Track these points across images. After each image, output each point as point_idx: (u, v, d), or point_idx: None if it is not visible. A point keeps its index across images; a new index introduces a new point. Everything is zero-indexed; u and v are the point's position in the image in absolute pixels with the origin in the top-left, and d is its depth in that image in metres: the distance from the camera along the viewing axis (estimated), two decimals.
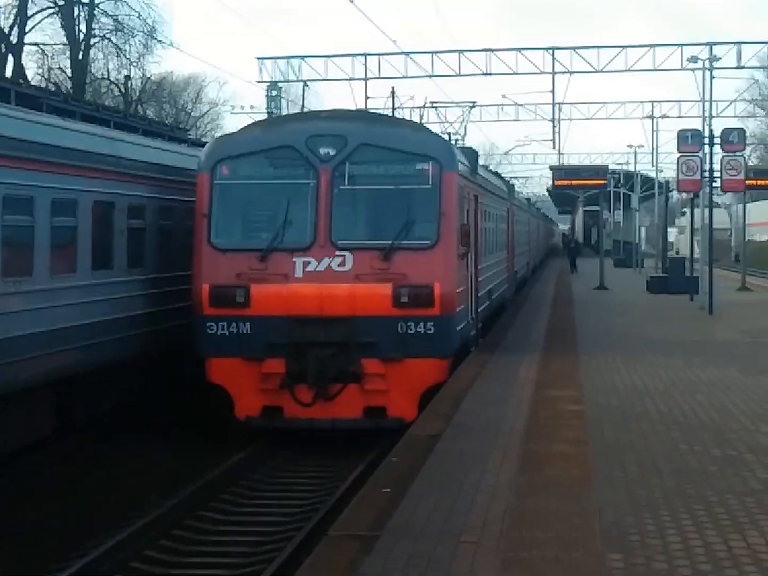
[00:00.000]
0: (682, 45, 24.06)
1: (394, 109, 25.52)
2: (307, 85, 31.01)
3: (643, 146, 41.28)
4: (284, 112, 36.00)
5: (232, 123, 48.38)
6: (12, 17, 30.07)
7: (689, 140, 17.82)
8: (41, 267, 7.62)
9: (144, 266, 9.73)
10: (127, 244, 9.25)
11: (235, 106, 46.09)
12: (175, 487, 7.22)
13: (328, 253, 8.61)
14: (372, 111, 19.55)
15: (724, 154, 17.89)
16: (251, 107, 40.98)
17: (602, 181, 27.98)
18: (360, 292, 8.58)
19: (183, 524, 6.37)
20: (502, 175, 28.11)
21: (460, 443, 5.73)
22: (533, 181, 65.33)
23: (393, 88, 26.88)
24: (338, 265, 8.61)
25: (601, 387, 8.41)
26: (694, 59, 21.79)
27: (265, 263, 8.63)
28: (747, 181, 19.82)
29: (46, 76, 32.63)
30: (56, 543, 5.94)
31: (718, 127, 19.06)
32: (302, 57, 26.11)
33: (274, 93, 40.20)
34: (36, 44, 32.67)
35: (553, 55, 24.83)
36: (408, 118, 24.47)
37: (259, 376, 8.60)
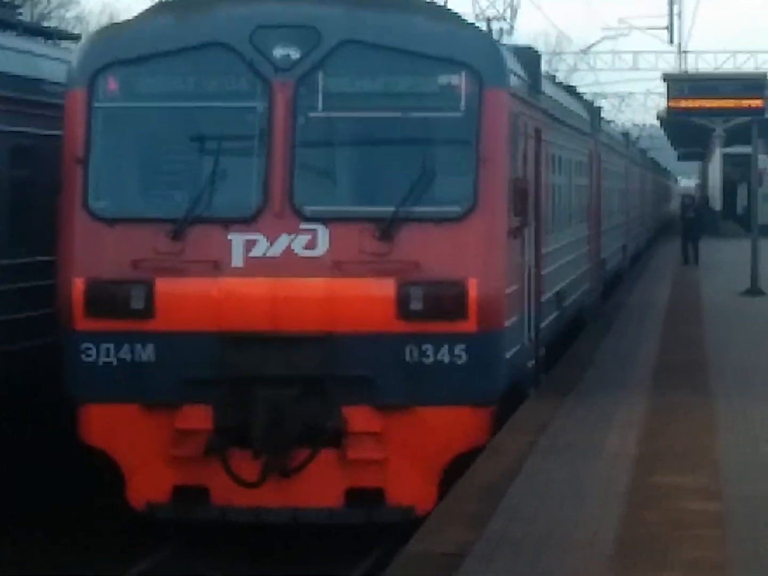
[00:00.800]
0: None
1: None
2: None
3: None
4: None
5: None
6: None
7: None
8: None
9: None
10: None
11: None
12: None
13: (289, 227, 5.09)
14: None
15: None
16: None
17: (758, 102, 17.70)
18: (342, 293, 5.05)
19: None
20: (581, 93, 17.62)
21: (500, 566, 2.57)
22: (635, 100, 41.40)
23: None
24: (305, 247, 5.10)
25: (753, 469, 4.83)
26: None
27: (181, 243, 5.11)
28: None
29: None
30: None
31: None
32: None
33: None
34: None
35: None
36: None
37: (171, 436, 5.10)
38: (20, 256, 6.31)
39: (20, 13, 9.74)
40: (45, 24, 16.15)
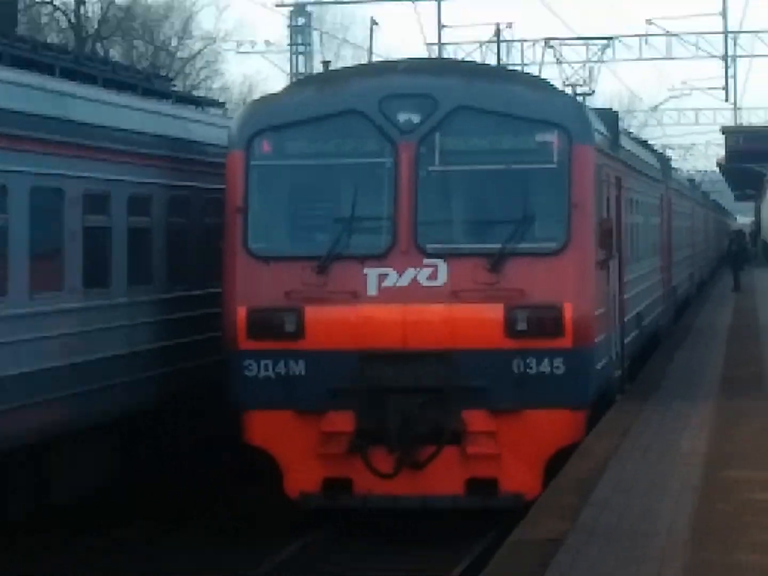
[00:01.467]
0: None
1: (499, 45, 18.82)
2: (376, 23, 22.62)
3: None
4: (317, 49, 26.59)
5: (238, 68, 37.34)
6: None
7: None
8: None
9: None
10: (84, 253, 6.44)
11: (242, 42, 33.91)
12: None
13: (414, 262, 6.11)
14: (469, 61, 14.61)
15: None
16: (267, 44, 30.72)
17: None
18: (460, 316, 6.06)
19: None
20: (652, 145, 18.76)
21: (593, 552, 3.34)
22: (697, 150, 45.74)
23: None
24: (428, 279, 6.12)
25: None
26: None
27: (325, 277, 6.15)
28: None
29: None
30: None
31: None
32: None
33: (301, 21, 29.56)
34: None
35: None
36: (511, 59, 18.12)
37: (319, 437, 6.14)
38: (177, 290, 7.43)
39: (174, 84, 10.79)
40: (195, 93, 17.41)
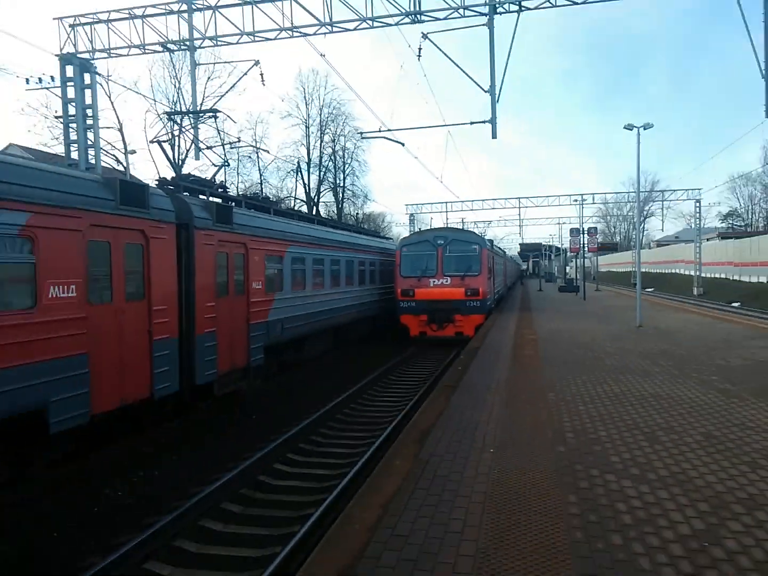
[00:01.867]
0: None
1: None
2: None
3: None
4: None
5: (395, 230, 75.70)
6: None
7: (574, 232, 35.88)
8: (340, 282, 24.23)
9: (374, 283, 26.52)
10: (365, 275, 25.68)
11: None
12: (395, 356, 23.59)
13: (441, 278, 24.98)
14: (454, 228, 36.44)
15: (588, 236, 37.42)
16: None
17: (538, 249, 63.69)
18: (453, 291, 24.93)
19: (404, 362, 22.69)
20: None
21: (488, 350, 21.36)
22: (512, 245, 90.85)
23: None
24: (444, 282, 24.92)
25: (541, 328, 23.68)
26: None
27: (419, 281, 25.10)
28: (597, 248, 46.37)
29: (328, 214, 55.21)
30: None
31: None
32: None
33: None
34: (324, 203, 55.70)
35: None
36: None
37: (419, 321, 24.72)
38: (381, 284, 26.78)
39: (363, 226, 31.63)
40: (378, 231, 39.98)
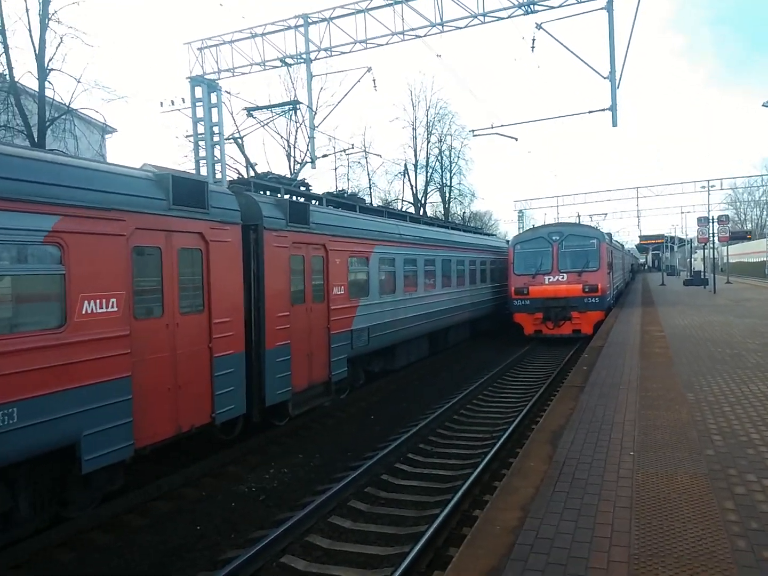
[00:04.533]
0: None
1: None
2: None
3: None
4: None
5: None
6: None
7: (703, 221, 34.27)
8: (453, 283, 23.97)
9: (486, 282, 26.11)
10: (464, 275, 25.09)
11: None
12: (509, 356, 23.08)
13: (557, 275, 24.15)
14: (570, 223, 35.14)
15: (719, 225, 35.90)
16: None
17: (661, 241, 58.63)
18: (569, 287, 23.96)
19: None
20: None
21: (612, 348, 20.40)
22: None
23: None
24: (561, 278, 24.03)
25: (669, 324, 22.28)
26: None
27: (533, 279, 24.37)
28: (728, 237, 42.28)
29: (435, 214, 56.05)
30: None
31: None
32: None
33: None
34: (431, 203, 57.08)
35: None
36: None
37: (533, 319, 24.06)
38: (491, 284, 26.34)
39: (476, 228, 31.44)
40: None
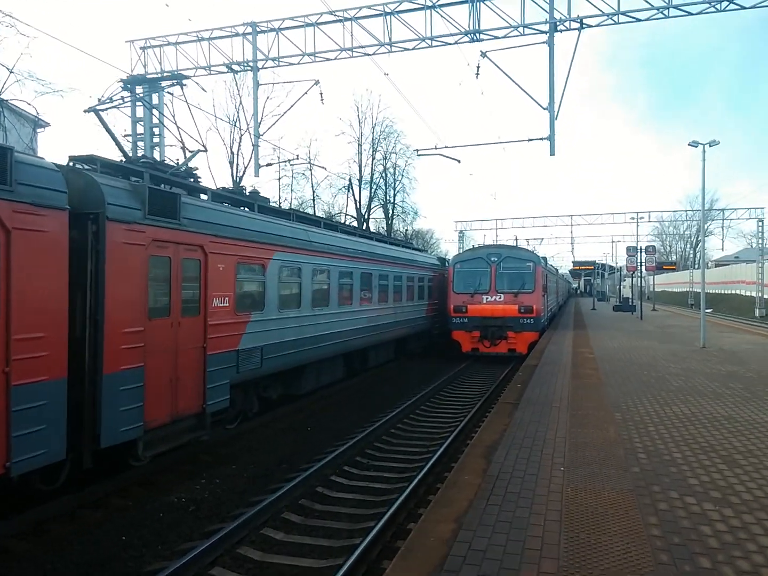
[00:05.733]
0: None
1: None
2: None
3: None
4: None
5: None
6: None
7: (631, 251, 35.67)
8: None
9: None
10: (388, 290, 25.38)
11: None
12: (443, 374, 23.39)
13: (495, 294, 24.69)
14: (506, 245, 36.33)
15: (646, 255, 38.40)
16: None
17: (591, 267, 61.03)
18: (506, 308, 24.54)
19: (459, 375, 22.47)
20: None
21: (546, 368, 21.00)
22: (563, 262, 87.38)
23: None
24: (498, 299, 24.61)
25: (599, 347, 23.13)
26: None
27: (472, 298, 24.84)
28: (655, 267, 45.29)
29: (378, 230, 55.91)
30: None
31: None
32: None
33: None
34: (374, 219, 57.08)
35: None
36: None
37: (471, 337, 24.51)
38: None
39: (411, 243, 31.50)
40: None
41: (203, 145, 12.70)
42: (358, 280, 17.93)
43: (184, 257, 9.88)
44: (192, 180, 11.87)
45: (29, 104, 25.45)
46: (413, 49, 20.85)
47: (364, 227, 48.95)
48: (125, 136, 24.94)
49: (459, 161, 25.49)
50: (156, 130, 22.48)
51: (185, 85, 12.82)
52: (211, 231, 10.54)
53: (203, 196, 11.91)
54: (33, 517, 7.84)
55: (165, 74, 22.81)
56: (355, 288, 17.74)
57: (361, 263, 18.12)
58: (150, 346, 8.96)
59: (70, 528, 7.88)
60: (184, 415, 9.81)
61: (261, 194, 15.08)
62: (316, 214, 32.91)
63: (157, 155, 22.42)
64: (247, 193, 14.29)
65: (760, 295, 55.58)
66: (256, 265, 12.24)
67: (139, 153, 22.30)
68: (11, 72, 21.84)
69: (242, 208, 13.00)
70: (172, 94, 14.88)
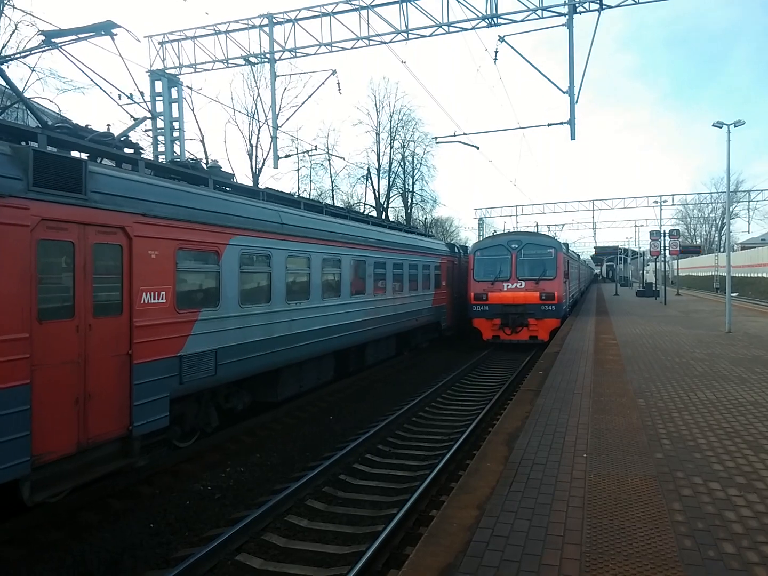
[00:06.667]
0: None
1: None
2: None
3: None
4: None
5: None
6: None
7: (655, 235, 35.21)
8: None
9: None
10: (387, 279, 19.85)
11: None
12: (468, 360, 23.35)
13: (515, 282, 24.57)
14: (529, 232, 36.01)
15: (670, 239, 37.01)
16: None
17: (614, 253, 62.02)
18: (527, 294, 24.39)
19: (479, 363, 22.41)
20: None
21: (568, 355, 20.86)
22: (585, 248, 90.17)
23: None
24: (519, 285, 24.48)
25: (621, 333, 22.91)
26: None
27: (492, 285, 24.72)
28: (679, 251, 44.48)
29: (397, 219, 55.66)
30: None
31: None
32: None
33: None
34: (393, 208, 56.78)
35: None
36: None
37: (492, 325, 24.45)
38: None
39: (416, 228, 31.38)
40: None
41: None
42: (349, 268, 15.67)
43: (95, 242, 7.75)
44: (133, 152, 9.85)
45: (51, 101, 25.72)
46: (430, 35, 20.69)
47: (383, 216, 48.90)
48: (146, 131, 25.18)
49: (478, 148, 25.32)
50: (176, 125, 22.62)
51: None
52: (137, 209, 8.41)
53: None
54: (62, 507, 8.01)
55: (183, 68, 22.96)
56: (345, 277, 15.45)
57: (352, 249, 15.93)
58: (41, 357, 6.86)
59: (99, 516, 8.06)
60: (99, 442, 7.68)
61: (279, 186, 14.66)
62: (333, 204, 32.51)
63: (177, 149, 22.60)
64: (192, 163, 11.49)
65: None
66: (207, 251, 10.00)
67: (161, 148, 22.48)
68: (33, 70, 22.07)
69: (201, 186, 10.92)
70: (191, 88, 14.86)
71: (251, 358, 11.13)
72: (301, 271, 13.24)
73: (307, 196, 46.82)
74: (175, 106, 22.61)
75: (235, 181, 12.86)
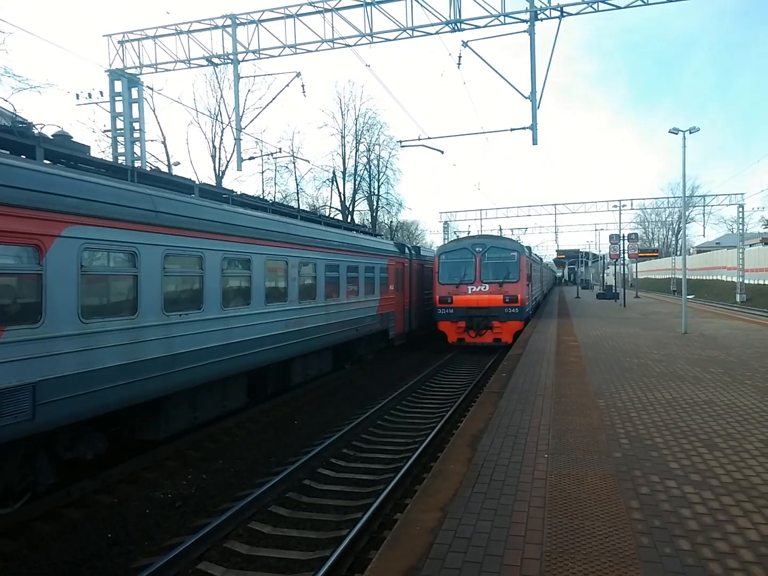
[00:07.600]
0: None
1: None
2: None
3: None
4: None
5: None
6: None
7: (614, 239, 35.82)
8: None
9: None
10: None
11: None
12: (433, 363, 23.44)
13: (479, 285, 24.79)
14: (491, 235, 36.53)
15: (629, 242, 38.63)
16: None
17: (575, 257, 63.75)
18: (491, 297, 24.60)
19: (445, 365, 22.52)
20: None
21: (530, 357, 21.11)
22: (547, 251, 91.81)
23: None
24: (483, 288, 24.71)
25: (582, 335, 23.33)
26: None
27: (457, 288, 24.91)
28: (637, 254, 45.90)
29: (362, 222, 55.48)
30: None
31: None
32: None
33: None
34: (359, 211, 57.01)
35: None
36: None
37: (456, 327, 24.63)
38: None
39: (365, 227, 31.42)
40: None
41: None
42: (262, 270, 12.93)
43: None
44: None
45: (6, 101, 25.01)
46: (394, 39, 20.79)
47: (349, 219, 48.86)
48: (105, 131, 24.65)
49: (442, 152, 25.52)
50: (136, 125, 22.22)
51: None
52: None
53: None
54: (15, 518, 7.78)
55: (144, 68, 22.59)
56: (256, 282, 12.72)
57: (269, 247, 13.24)
58: None
59: (54, 527, 7.85)
60: None
61: (243, 189, 14.02)
62: (298, 207, 31.95)
63: (137, 150, 22.20)
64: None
65: (740, 280, 56.25)
66: (21, 246, 7.20)
67: (120, 150, 22.06)
68: None
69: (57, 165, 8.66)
70: (151, 89, 14.65)
71: (101, 390, 8.36)
72: (187, 273, 10.61)
73: (273, 200, 46.56)
74: (135, 106, 22.20)
75: (93, 157, 9.84)
